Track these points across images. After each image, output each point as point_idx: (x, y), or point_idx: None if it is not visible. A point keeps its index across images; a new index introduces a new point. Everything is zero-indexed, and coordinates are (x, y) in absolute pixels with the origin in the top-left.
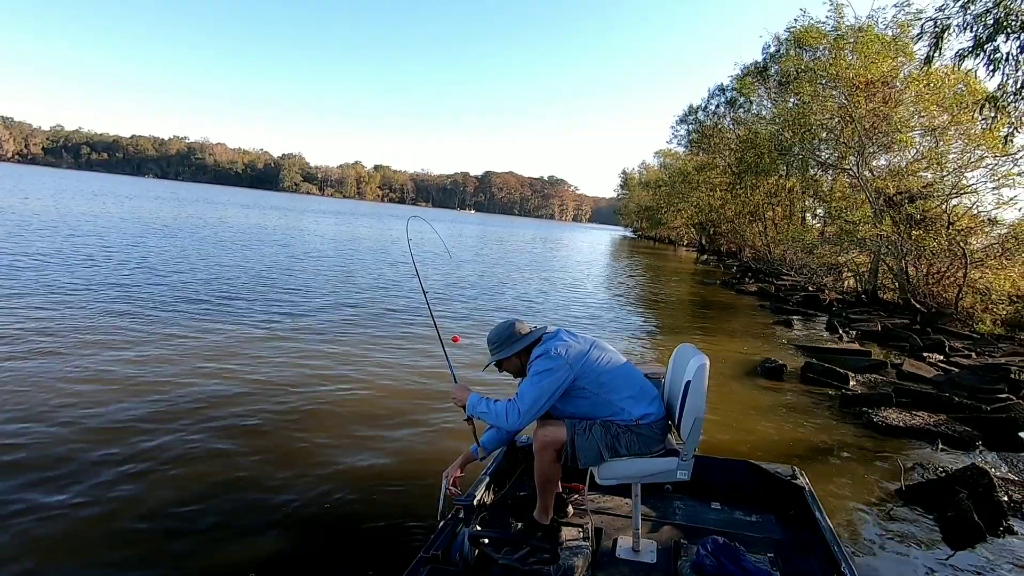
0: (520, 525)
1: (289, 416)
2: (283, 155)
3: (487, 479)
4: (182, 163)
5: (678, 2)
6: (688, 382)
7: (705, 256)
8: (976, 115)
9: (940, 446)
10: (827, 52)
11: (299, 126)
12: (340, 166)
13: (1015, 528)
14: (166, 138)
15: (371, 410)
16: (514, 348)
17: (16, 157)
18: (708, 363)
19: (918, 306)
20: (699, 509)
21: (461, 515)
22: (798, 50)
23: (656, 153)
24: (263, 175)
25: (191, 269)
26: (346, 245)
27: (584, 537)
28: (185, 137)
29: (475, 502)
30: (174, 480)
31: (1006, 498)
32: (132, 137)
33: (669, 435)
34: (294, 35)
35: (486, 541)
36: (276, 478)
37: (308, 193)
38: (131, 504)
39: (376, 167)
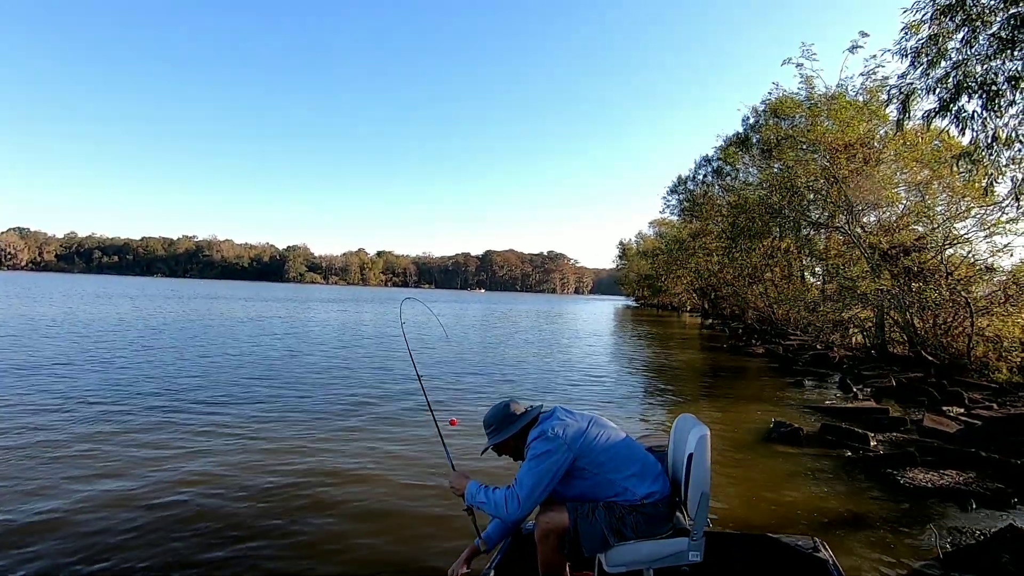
0: None
1: (282, 517)
2: (288, 247)
3: (492, 573)
4: (190, 261)
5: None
6: (691, 455)
7: (710, 320)
8: (954, 169)
9: (974, 507)
10: (804, 119)
11: (303, 218)
12: (344, 254)
13: None
14: (175, 238)
15: (368, 506)
16: (511, 430)
17: (29, 265)
18: (709, 433)
19: (930, 358)
20: None
21: None
22: (776, 119)
23: (651, 223)
24: (269, 267)
25: (180, 366)
26: (348, 331)
27: None
28: (194, 236)
29: None
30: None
31: None
32: (142, 239)
33: (677, 513)
34: (296, 125)
35: None
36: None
37: (313, 282)
38: None
39: (379, 253)
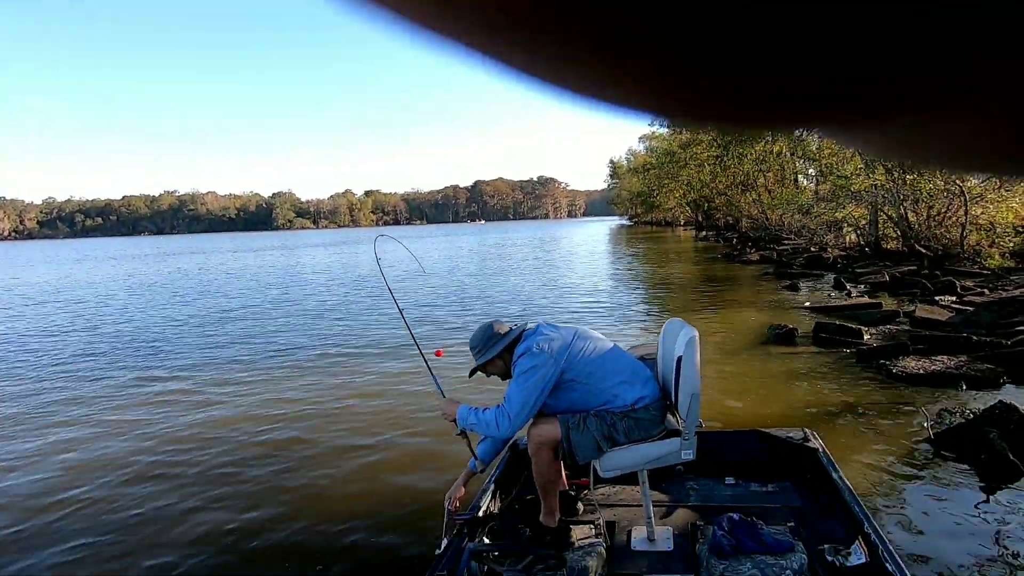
0: (529, 531)
1: (279, 451)
2: (274, 194)
3: (491, 488)
4: (175, 217)
5: None
6: (680, 357)
7: (704, 232)
8: None
9: (964, 388)
10: None
11: (287, 164)
12: (331, 197)
13: None
14: (157, 194)
15: (361, 438)
16: (495, 349)
17: (12, 235)
18: (697, 335)
19: (923, 251)
20: (712, 487)
21: (466, 531)
22: None
23: (641, 138)
24: (256, 217)
25: (163, 322)
26: (333, 274)
27: (597, 534)
28: (175, 191)
29: (480, 514)
30: (169, 525)
31: None
32: (123, 198)
33: (669, 415)
34: (270, 71)
35: (488, 555)
36: (269, 515)
37: (303, 228)
38: (138, 544)
39: (367, 193)
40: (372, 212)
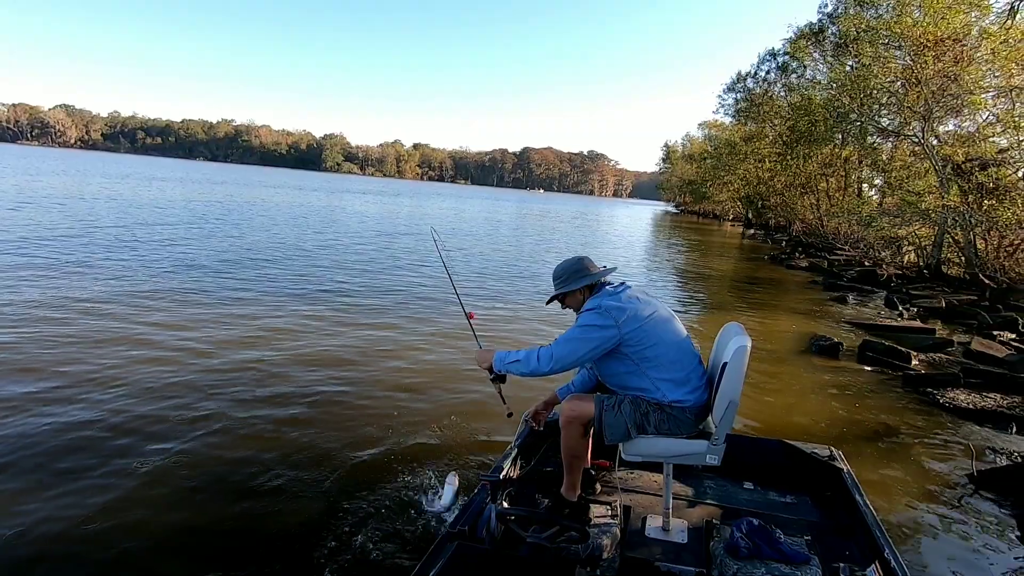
0: (547, 501)
1: (321, 392)
2: (325, 136)
3: (514, 453)
4: (230, 146)
5: None
6: (725, 363)
7: (752, 231)
8: None
9: (1015, 430)
10: (891, 9)
11: (340, 107)
12: (380, 145)
13: None
14: (214, 121)
15: (397, 388)
16: (578, 283)
17: (78, 143)
18: (750, 345)
19: (987, 281)
20: (731, 489)
21: (488, 490)
22: (858, 8)
23: (700, 125)
24: (306, 156)
25: (227, 250)
26: (389, 226)
27: (612, 515)
28: (232, 120)
29: (502, 476)
30: (219, 445)
31: None
32: (183, 121)
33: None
34: (334, 16)
35: (513, 518)
36: (310, 452)
37: (349, 172)
38: (184, 466)
39: (415, 145)
40: (418, 166)
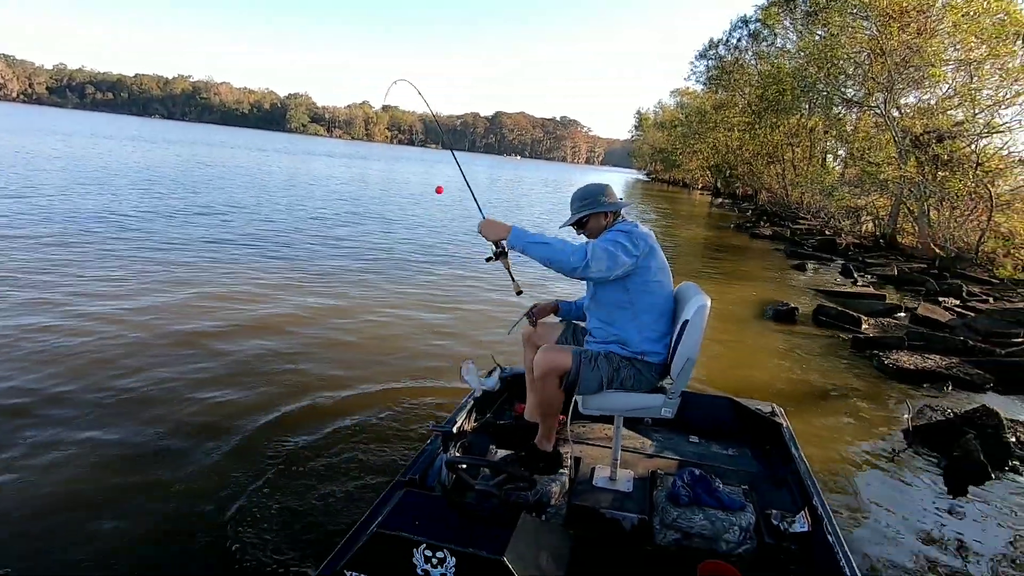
0: (500, 452)
1: (289, 347)
2: (289, 95)
3: (469, 405)
4: (188, 103)
5: None
6: (686, 321)
7: (720, 199)
8: (1016, 46)
9: (950, 389)
10: None
11: (304, 67)
12: (348, 107)
13: (1021, 469)
14: (170, 77)
15: (357, 348)
16: (611, 207)
17: (21, 97)
18: (709, 304)
19: (938, 250)
20: (677, 442)
21: (440, 441)
22: None
23: (673, 92)
24: (270, 116)
25: (211, 214)
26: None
27: (563, 465)
28: (189, 76)
29: (455, 429)
30: (185, 402)
31: (1014, 439)
32: (136, 76)
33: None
34: None
35: (463, 467)
36: (270, 406)
37: (316, 134)
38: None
39: (384, 108)
40: (388, 129)
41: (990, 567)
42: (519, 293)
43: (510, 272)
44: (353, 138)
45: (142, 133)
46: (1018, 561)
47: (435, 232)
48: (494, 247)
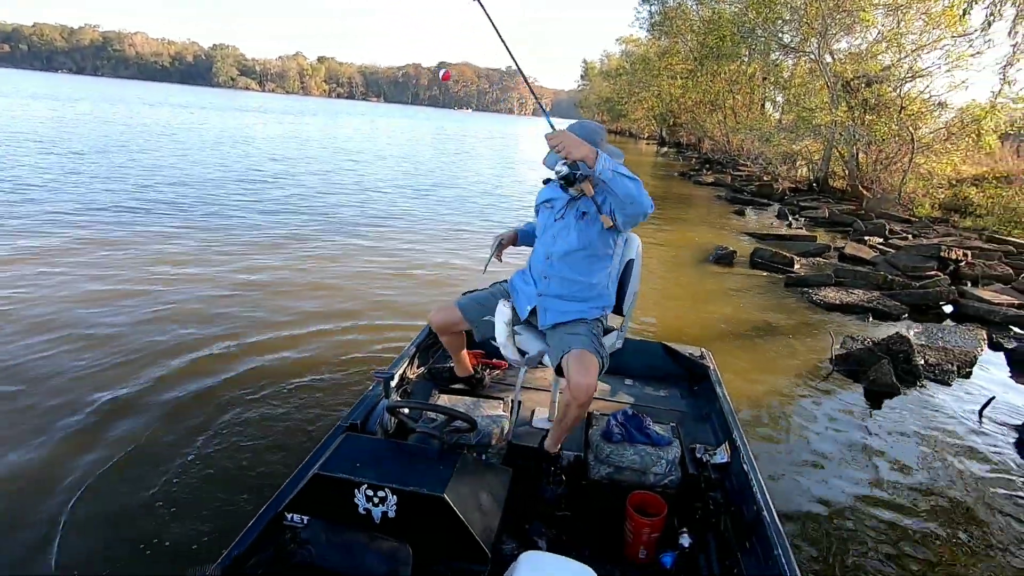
0: (441, 396)
1: (243, 308)
2: (214, 46)
3: (412, 353)
4: (99, 56)
5: None
6: (631, 261)
7: (665, 149)
8: None
9: (871, 320)
10: None
11: (229, 15)
12: (280, 58)
13: (928, 387)
14: (75, 27)
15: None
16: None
17: None
18: (640, 241)
19: (865, 192)
20: (614, 385)
21: (381, 386)
22: None
23: (618, 40)
24: (194, 69)
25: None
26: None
27: (504, 409)
28: (97, 26)
29: (397, 375)
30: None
31: (923, 361)
32: (35, 25)
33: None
34: None
35: (405, 411)
36: (214, 362)
37: (247, 88)
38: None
39: (320, 59)
40: (325, 82)
41: (894, 471)
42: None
43: (595, 200)
44: (288, 92)
45: (44, 90)
46: (918, 465)
47: (382, 192)
48: (567, 167)
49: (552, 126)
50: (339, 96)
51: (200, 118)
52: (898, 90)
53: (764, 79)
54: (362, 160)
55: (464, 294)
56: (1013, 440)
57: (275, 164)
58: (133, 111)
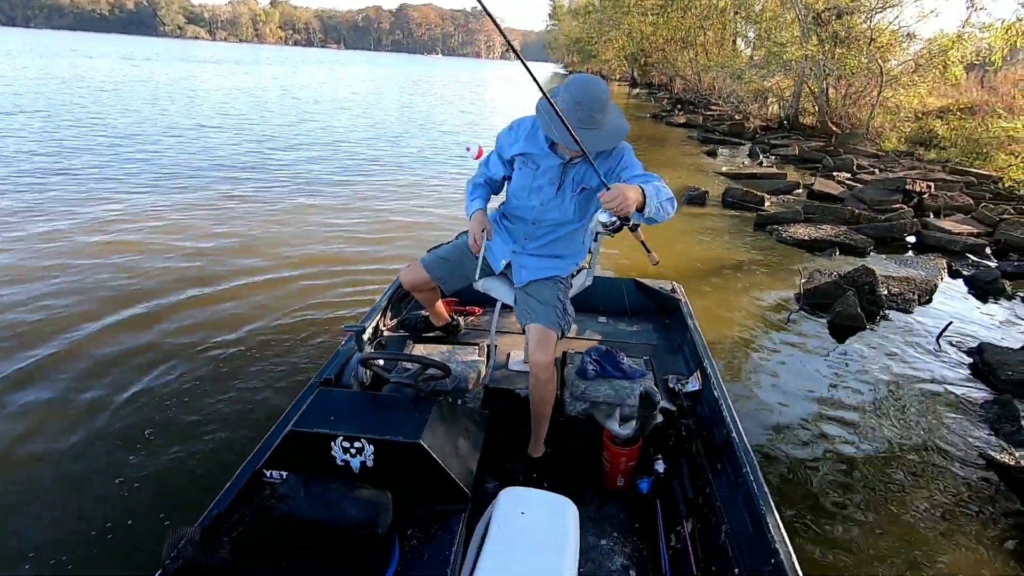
0: (416, 346)
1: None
2: None
3: (384, 306)
4: (29, 6)
5: None
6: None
7: (637, 90)
8: None
9: (838, 254)
10: None
11: None
12: (229, 2)
13: (890, 316)
14: None
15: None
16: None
17: None
18: None
19: (834, 128)
20: (587, 323)
21: (354, 340)
22: None
23: None
24: (136, 17)
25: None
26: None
27: (480, 353)
28: None
29: (370, 328)
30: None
31: (886, 292)
32: None
33: None
34: None
35: (380, 363)
36: (185, 320)
37: (196, 38)
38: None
39: (273, 3)
40: (280, 28)
41: (855, 394)
42: (656, 263)
43: (644, 245)
44: (241, 40)
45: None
46: (878, 389)
47: (349, 144)
48: (617, 219)
49: (602, 179)
50: (296, 43)
51: (145, 72)
52: (868, 21)
53: (735, 13)
54: (324, 111)
55: (429, 251)
56: (967, 361)
57: (227, 119)
58: (73, 65)
